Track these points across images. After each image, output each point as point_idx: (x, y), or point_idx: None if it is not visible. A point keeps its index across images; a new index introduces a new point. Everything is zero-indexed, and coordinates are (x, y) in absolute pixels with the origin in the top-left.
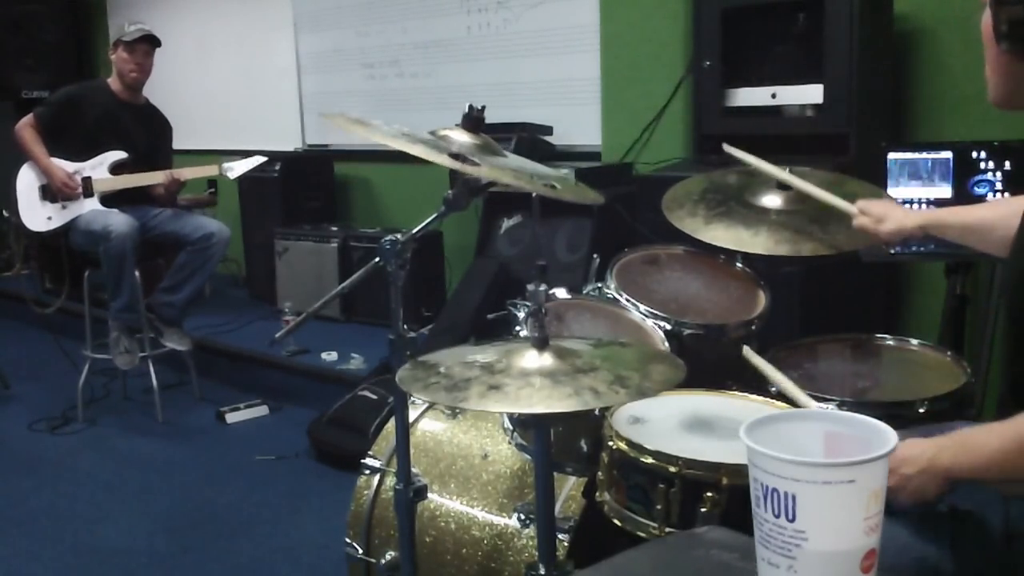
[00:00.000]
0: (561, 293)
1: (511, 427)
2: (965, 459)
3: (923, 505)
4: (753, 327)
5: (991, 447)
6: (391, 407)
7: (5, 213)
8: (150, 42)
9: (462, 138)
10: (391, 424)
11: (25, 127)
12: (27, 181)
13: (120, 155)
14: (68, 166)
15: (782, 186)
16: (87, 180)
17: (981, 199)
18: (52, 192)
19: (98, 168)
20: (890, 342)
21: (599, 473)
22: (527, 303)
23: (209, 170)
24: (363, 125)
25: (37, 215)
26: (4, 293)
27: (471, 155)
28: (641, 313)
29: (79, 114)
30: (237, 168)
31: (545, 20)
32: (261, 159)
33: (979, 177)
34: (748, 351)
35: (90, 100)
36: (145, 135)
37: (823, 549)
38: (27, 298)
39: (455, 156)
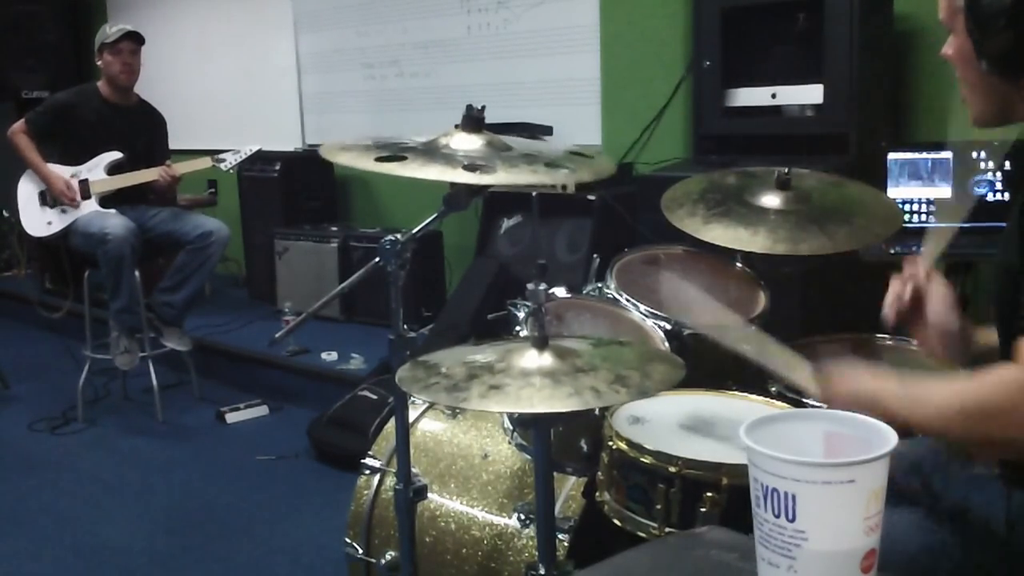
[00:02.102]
0: (561, 292)
1: (511, 427)
2: (912, 415)
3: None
4: (753, 327)
5: (938, 412)
6: (391, 407)
7: (5, 213)
8: (134, 39)
9: (468, 144)
10: (391, 424)
11: (18, 133)
12: (27, 189)
13: (116, 156)
14: (65, 170)
15: (781, 185)
16: (84, 183)
17: (981, 199)
18: (51, 197)
19: (94, 170)
20: (890, 342)
21: (599, 473)
22: (527, 303)
23: (202, 163)
24: (370, 157)
25: (38, 221)
26: (5, 293)
27: (482, 161)
28: (641, 313)
29: (71, 122)
30: (230, 159)
31: (545, 20)
32: (252, 148)
33: (979, 177)
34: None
35: (81, 107)
36: (141, 135)
37: (823, 549)
38: (31, 300)
39: (469, 168)
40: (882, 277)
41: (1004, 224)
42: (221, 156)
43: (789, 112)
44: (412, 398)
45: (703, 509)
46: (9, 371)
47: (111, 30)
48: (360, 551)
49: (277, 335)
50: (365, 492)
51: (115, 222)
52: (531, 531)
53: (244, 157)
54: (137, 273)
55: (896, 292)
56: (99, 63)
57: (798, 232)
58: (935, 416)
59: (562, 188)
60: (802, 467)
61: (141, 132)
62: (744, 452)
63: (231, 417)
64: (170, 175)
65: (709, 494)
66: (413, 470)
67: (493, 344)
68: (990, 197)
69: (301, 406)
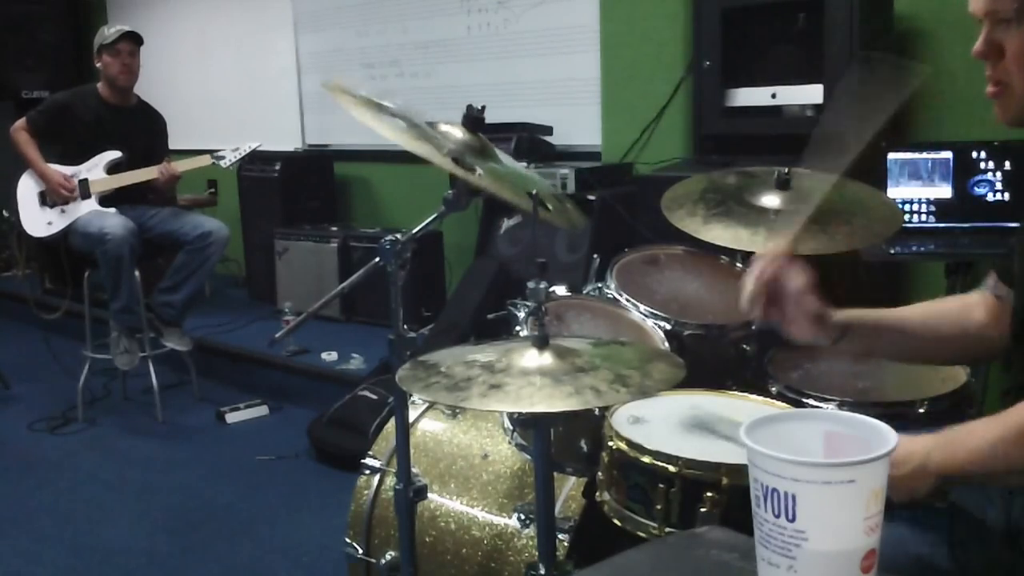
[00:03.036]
0: (561, 291)
1: (511, 427)
2: (957, 456)
3: (916, 503)
4: (753, 327)
5: (983, 442)
6: (391, 407)
7: (5, 213)
8: (132, 40)
9: (460, 135)
10: (391, 424)
11: (18, 131)
12: (26, 189)
13: (115, 155)
14: (65, 170)
15: (781, 185)
16: (83, 182)
17: (981, 199)
18: (50, 197)
19: (94, 170)
20: None
21: (599, 473)
22: (527, 303)
23: (202, 160)
24: (367, 107)
25: (38, 221)
26: (4, 293)
27: (469, 158)
28: (641, 313)
29: (70, 122)
30: (229, 156)
31: (545, 20)
32: (252, 146)
33: (979, 177)
34: None
35: (80, 108)
36: (140, 136)
37: (823, 549)
38: (29, 301)
39: (456, 161)
40: (882, 277)
41: (1006, 224)
42: (220, 153)
43: (789, 112)
44: (412, 398)
45: (703, 509)
46: (9, 371)
47: (109, 31)
48: (360, 551)
49: (277, 335)
50: (365, 492)
51: (114, 222)
52: (531, 531)
53: (244, 154)
54: (137, 273)
55: (751, 284)
56: (98, 64)
57: (798, 232)
58: (984, 451)
59: (562, 188)
60: (802, 467)
61: (140, 133)
62: (744, 452)
63: (231, 417)
64: (170, 172)
65: (709, 494)
66: (413, 470)
67: (493, 343)
68: (990, 197)
69: (301, 406)
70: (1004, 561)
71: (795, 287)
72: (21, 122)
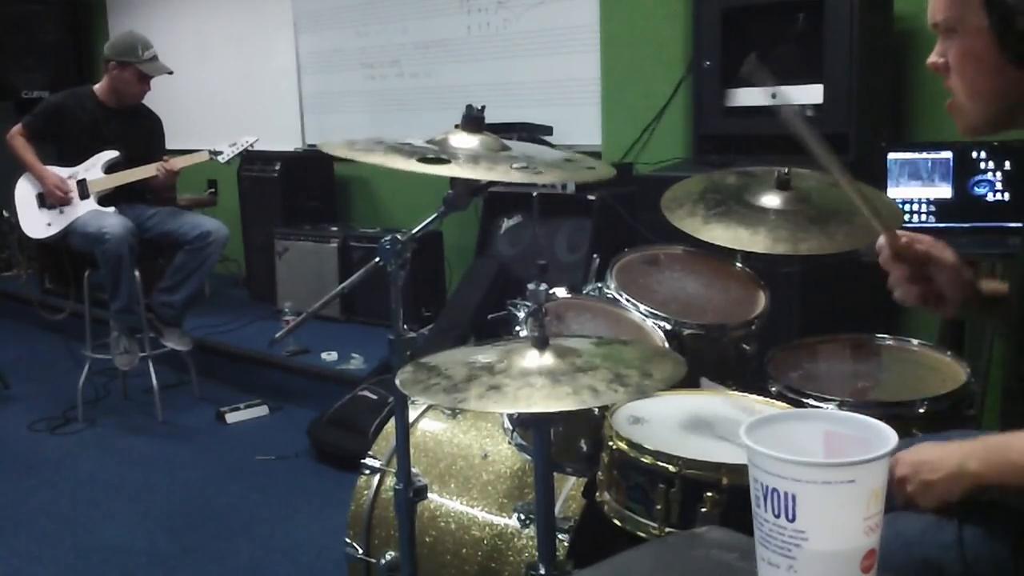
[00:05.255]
0: (561, 292)
1: (511, 427)
2: (1001, 467)
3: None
4: (753, 327)
5: None
6: (391, 407)
7: (5, 213)
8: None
9: (463, 142)
10: (391, 424)
11: (15, 136)
12: (25, 191)
13: (113, 154)
14: (63, 171)
15: (781, 185)
16: (82, 182)
17: (981, 199)
18: (48, 199)
19: (92, 169)
20: (890, 342)
21: (599, 473)
22: (527, 303)
23: (199, 157)
24: (349, 148)
25: (36, 222)
26: (5, 293)
27: (440, 155)
28: (641, 313)
29: (66, 124)
30: (227, 152)
31: (545, 20)
32: (250, 140)
33: (979, 177)
34: None
35: (75, 109)
36: (136, 136)
37: (823, 549)
38: (32, 301)
39: (424, 159)
40: (882, 277)
41: (1006, 224)
42: (218, 149)
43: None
44: (412, 398)
45: (703, 509)
46: (9, 371)
47: (144, 54)
48: (360, 551)
49: (277, 335)
50: (365, 492)
51: (113, 221)
52: (531, 531)
53: (242, 149)
54: (137, 273)
55: (893, 268)
56: (113, 72)
57: (798, 232)
58: None
59: (562, 188)
60: (802, 467)
61: (137, 134)
62: (744, 452)
63: (231, 417)
64: (167, 169)
65: (709, 494)
66: (413, 470)
67: (495, 344)
68: (990, 197)
69: (301, 406)
70: (1014, 564)
71: (951, 260)
72: (17, 128)
